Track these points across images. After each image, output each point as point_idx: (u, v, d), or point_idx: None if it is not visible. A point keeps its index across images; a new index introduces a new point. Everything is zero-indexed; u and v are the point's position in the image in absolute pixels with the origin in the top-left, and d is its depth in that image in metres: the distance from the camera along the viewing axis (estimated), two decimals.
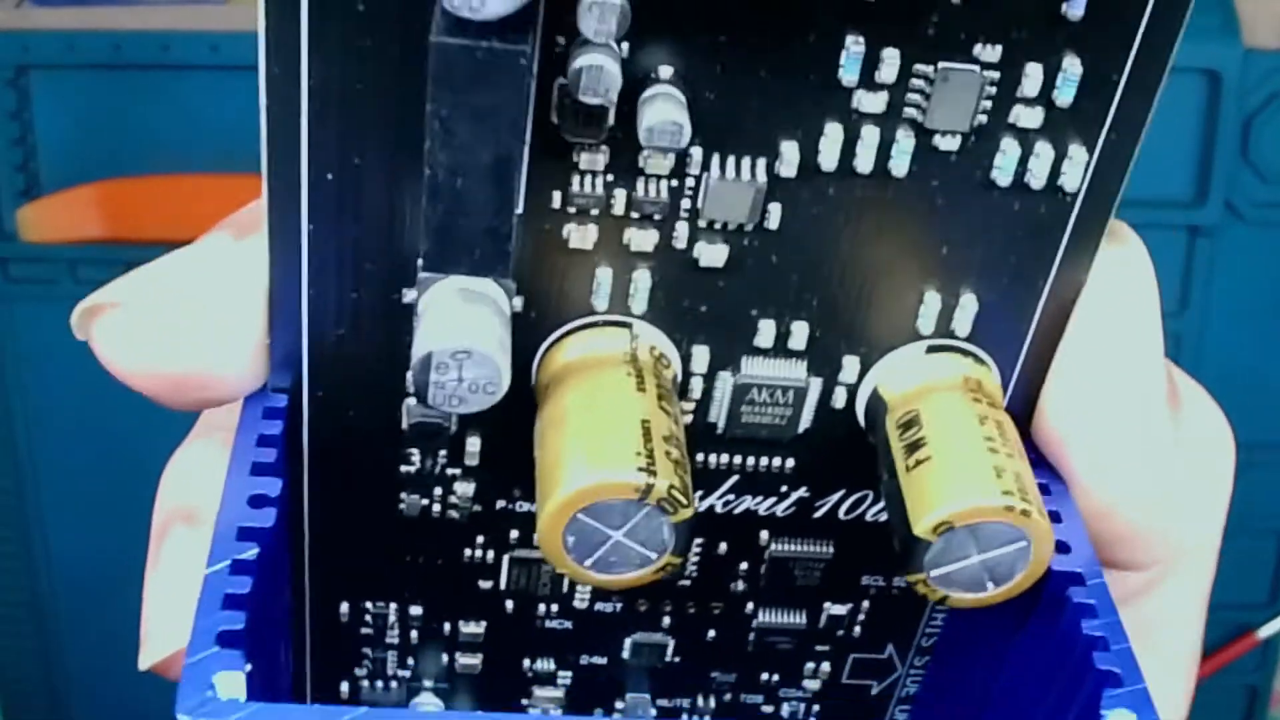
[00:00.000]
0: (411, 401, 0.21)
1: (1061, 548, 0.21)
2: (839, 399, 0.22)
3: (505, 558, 0.23)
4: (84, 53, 0.58)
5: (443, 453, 0.22)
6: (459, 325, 0.19)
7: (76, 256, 0.60)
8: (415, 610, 0.23)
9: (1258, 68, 0.59)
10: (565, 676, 0.25)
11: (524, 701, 0.25)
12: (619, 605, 0.24)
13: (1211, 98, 0.59)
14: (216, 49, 0.57)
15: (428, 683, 0.24)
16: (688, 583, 0.24)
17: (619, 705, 0.25)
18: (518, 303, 0.20)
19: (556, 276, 0.20)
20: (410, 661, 0.24)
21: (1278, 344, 0.64)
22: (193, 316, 0.20)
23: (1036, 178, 0.20)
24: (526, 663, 0.25)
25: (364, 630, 0.24)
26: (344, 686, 0.24)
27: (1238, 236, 0.61)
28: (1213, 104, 0.59)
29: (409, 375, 0.20)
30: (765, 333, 0.21)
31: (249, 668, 0.18)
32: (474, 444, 0.22)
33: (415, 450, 0.22)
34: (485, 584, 0.23)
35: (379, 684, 0.24)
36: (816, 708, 0.25)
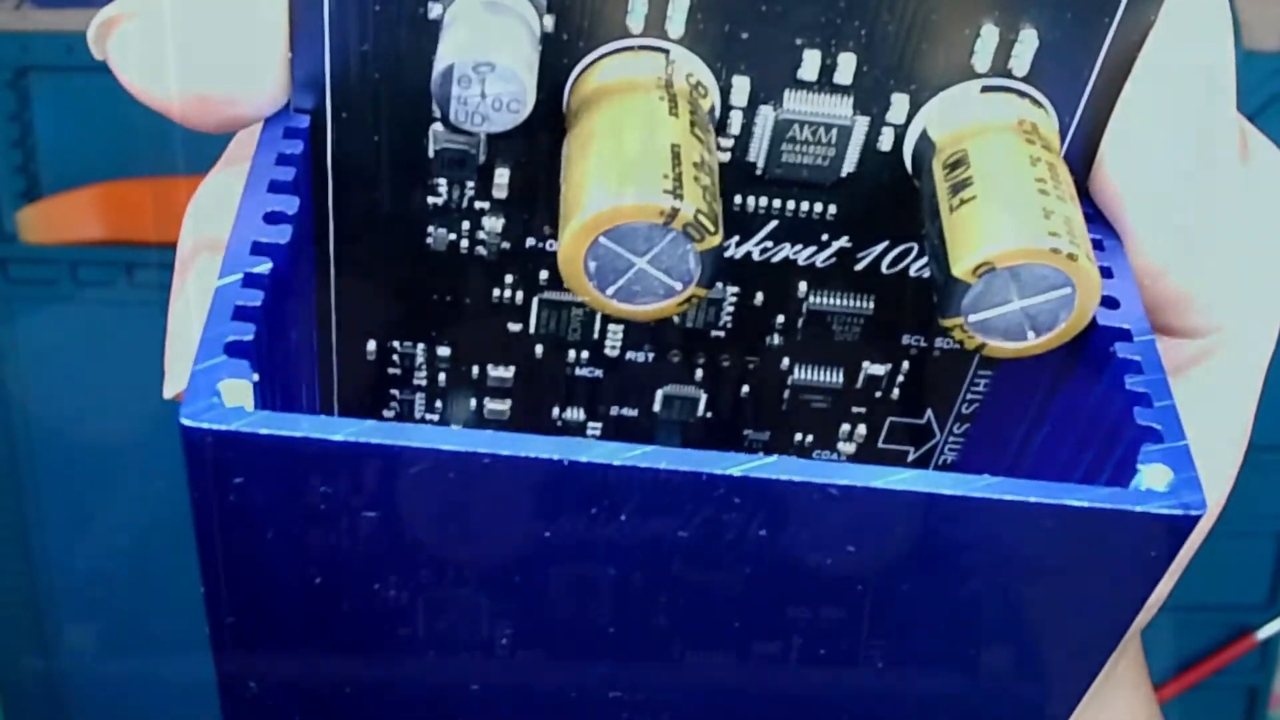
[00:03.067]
0: (438, 126, 0.20)
1: (1110, 303, 0.19)
2: (886, 140, 0.21)
3: (535, 299, 0.22)
4: (84, 54, 0.58)
5: (470, 184, 0.21)
6: (482, 37, 0.18)
7: (76, 257, 0.60)
8: (443, 351, 0.22)
9: (1258, 69, 0.59)
10: (595, 427, 0.24)
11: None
12: (651, 355, 0.23)
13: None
14: None
15: (455, 427, 0.23)
16: (721, 334, 0.23)
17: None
18: (548, 21, 0.19)
19: None
20: (438, 405, 0.23)
21: (1277, 345, 0.64)
22: (212, 29, 0.19)
23: None
24: (556, 411, 0.24)
25: (390, 370, 0.23)
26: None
27: None
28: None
29: (431, 90, 0.19)
30: (810, 64, 0.20)
31: (256, 377, 0.17)
32: (502, 176, 0.21)
33: (442, 180, 0.21)
34: (514, 326, 0.23)
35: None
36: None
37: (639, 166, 0.18)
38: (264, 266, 0.18)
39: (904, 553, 0.19)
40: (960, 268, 0.18)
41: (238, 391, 0.17)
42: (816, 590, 0.19)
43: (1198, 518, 0.17)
